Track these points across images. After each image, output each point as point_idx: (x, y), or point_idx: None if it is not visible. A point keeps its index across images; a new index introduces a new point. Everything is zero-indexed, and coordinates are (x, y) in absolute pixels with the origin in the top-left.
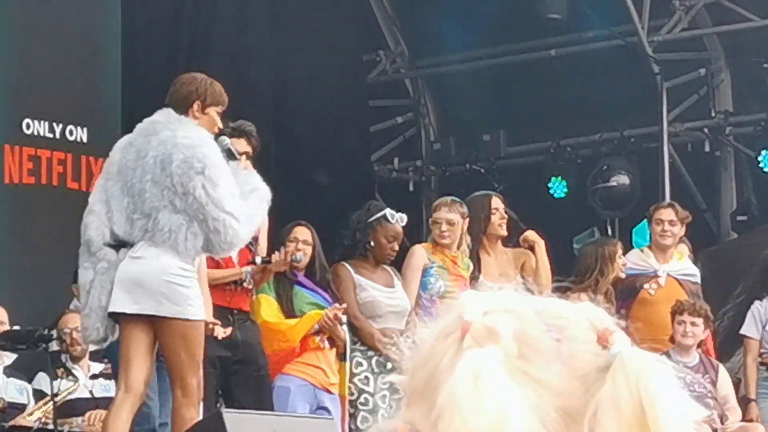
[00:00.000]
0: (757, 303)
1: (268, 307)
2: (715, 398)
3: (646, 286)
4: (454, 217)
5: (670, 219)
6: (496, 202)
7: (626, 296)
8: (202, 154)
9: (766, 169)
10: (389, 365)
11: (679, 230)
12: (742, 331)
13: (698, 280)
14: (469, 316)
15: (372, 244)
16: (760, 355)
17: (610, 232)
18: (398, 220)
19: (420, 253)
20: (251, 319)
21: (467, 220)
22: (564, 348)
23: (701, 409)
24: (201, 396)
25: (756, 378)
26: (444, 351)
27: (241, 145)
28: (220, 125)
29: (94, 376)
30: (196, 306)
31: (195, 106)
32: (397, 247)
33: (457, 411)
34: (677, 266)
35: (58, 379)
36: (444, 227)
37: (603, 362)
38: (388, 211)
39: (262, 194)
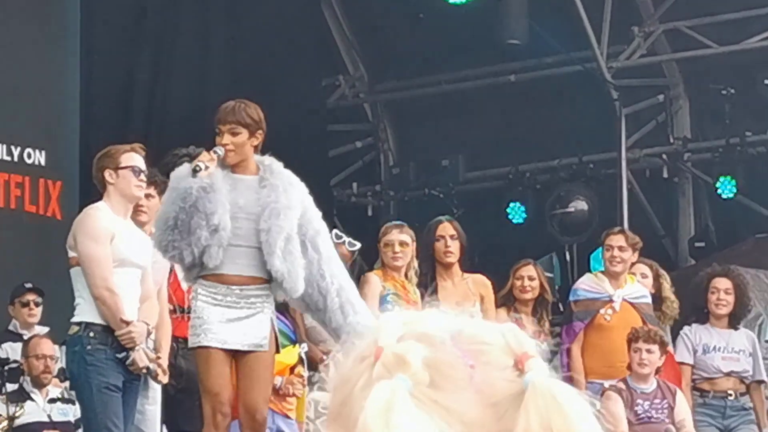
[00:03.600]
0: (686, 328)
1: None
2: (673, 422)
3: (602, 311)
4: (406, 239)
5: (619, 245)
6: (443, 229)
7: (582, 319)
8: None
9: (723, 196)
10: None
11: (630, 256)
12: (677, 359)
13: (650, 300)
14: (383, 341)
15: None
16: (693, 380)
17: (568, 257)
18: (347, 243)
19: (375, 281)
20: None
21: (414, 243)
22: (478, 375)
23: None
24: (216, 422)
25: (692, 404)
26: (358, 375)
27: None
28: (220, 142)
29: (52, 401)
30: (195, 335)
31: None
32: None
33: None
34: (630, 290)
35: (15, 404)
36: (397, 248)
37: (516, 389)
38: (335, 232)
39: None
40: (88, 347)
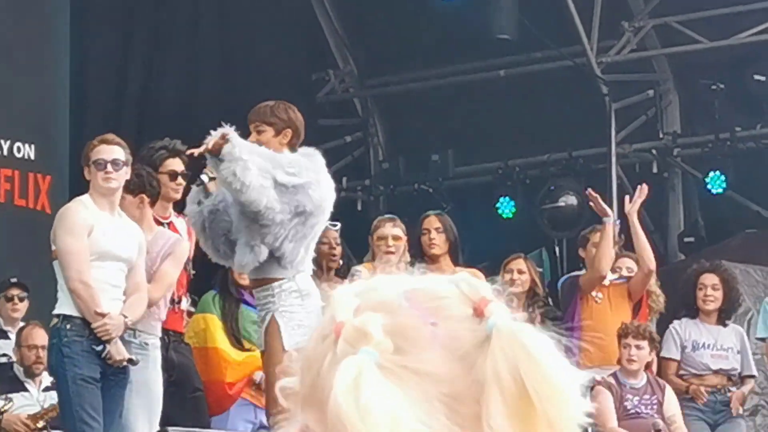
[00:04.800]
0: (675, 323)
1: (219, 332)
2: (663, 418)
3: (593, 294)
4: (398, 233)
5: None
6: (428, 223)
7: (571, 297)
8: None
9: (713, 191)
10: None
11: (614, 252)
12: (662, 354)
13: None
14: (341, 316)
15: None
16: (681, 376)
17: (557, 252)
18: (328, 225)
19: (364, 275)
20: (185, 341)
21: (406, 237)
22: (440, 331)
23: (584, 375)
24: None
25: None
26: (323, 355)
27: (175, 164)
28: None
29: (46, 389)
30: None
31: None
32: (326, 250)
33: (347, 427)
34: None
35: (5, 396)
36: (390, 242)
37: (481, 337)
38: None
39: None
40: (65, 339)
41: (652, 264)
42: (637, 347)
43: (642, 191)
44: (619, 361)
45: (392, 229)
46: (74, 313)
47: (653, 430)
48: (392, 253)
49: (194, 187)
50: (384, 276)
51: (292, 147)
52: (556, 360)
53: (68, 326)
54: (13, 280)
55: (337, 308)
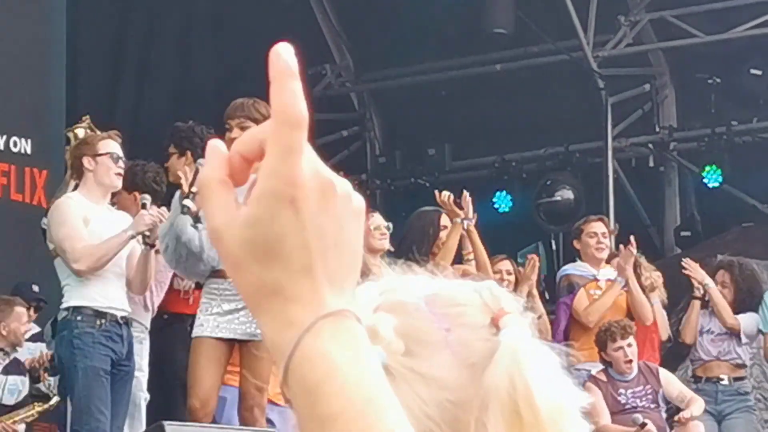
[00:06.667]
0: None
1: None
2: (658, 403)
3: (591, 291)
4: (386, 222)
5: (603, 231)
6: (445, 220)
7: (571, 292)
8: None
9: (710, 185)
10: None
11: (609, 242)
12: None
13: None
14: (360, 314)
15: None
16: (692, 361)
17: (554, 246)
18: None
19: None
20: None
21: None
22: (453, 337)
23: (585, 396)
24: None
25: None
26: None
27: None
28: (230, 136)
29: (4, 371)
30: (196, 325)
31: None
32: None
33: None
34: (611, 272)
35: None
36: (383, 230)
37: (492, 348)
38: None
39: None
40: (75, 331)
41: (649, 322)
42: (629, 345)
43: (630, 247)
44: (611, 364)
45: (383, 220)
46: (83, 303)
47: (636, 425)
48: (386, 241)
49: (180, 216)
50: (411, 276)
51: None
52: (552, 385)
53: (78, 318)
54: (36, 288)
55: (358, 305)
